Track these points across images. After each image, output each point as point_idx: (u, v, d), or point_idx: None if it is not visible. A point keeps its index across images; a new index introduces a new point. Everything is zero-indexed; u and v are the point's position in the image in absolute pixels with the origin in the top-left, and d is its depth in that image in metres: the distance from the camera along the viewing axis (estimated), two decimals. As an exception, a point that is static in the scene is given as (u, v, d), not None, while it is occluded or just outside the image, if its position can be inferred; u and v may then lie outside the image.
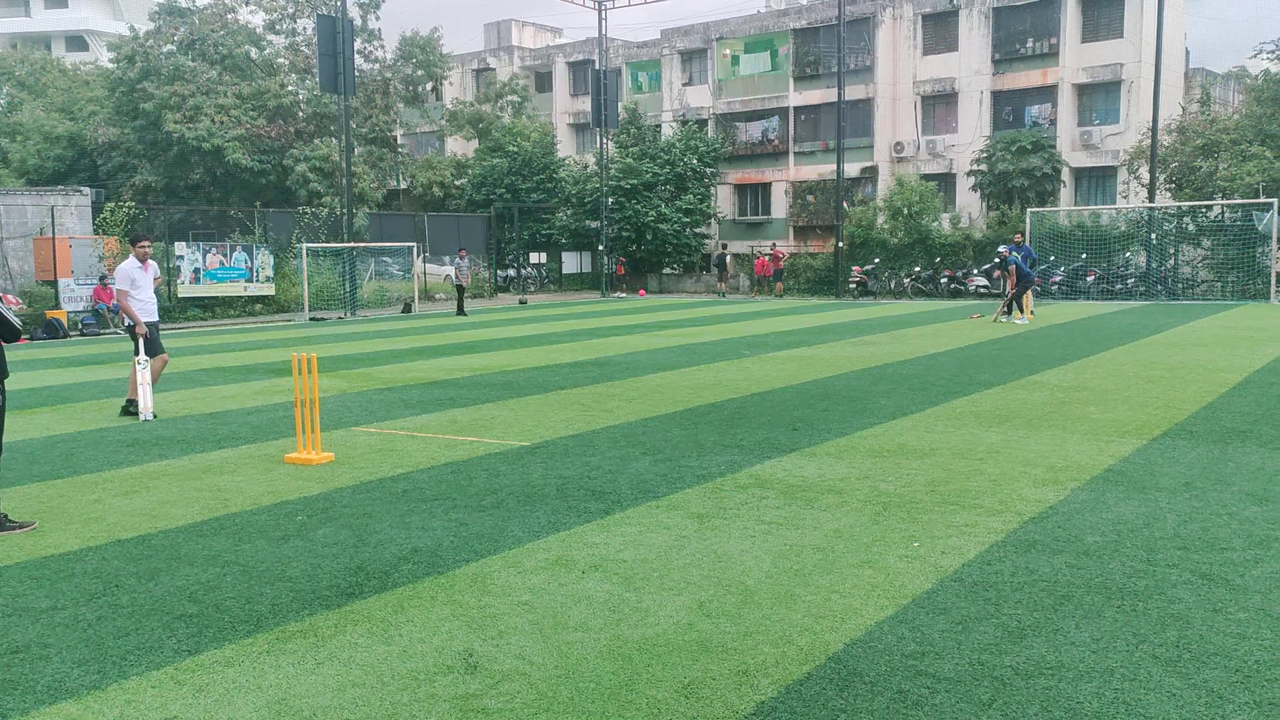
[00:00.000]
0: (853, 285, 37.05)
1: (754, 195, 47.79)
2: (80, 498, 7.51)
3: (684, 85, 49.52)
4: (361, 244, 34.91)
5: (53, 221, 26.96)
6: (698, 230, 45.50)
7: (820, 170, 44.57)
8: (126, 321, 11.54)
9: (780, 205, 46.62)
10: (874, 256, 37.70)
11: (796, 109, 46.02)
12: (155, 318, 11.62)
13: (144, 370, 11.22)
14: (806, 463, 8.28)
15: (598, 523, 6.60)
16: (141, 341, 11.32)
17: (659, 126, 48.37)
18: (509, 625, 4.81)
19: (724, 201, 47.68)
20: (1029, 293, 23.37)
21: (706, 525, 6.48)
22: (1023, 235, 24.36)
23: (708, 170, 45.52)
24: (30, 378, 15.44)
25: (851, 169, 42.51)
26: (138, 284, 11.35)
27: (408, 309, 32.55)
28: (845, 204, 39.70)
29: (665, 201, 43.55)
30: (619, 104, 44.34)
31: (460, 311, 29.81)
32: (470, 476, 8.05)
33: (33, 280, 27.27)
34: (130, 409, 11.44)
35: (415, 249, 35.56)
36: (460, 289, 30.56)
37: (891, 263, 37.64)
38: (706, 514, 6.76)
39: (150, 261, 11.60)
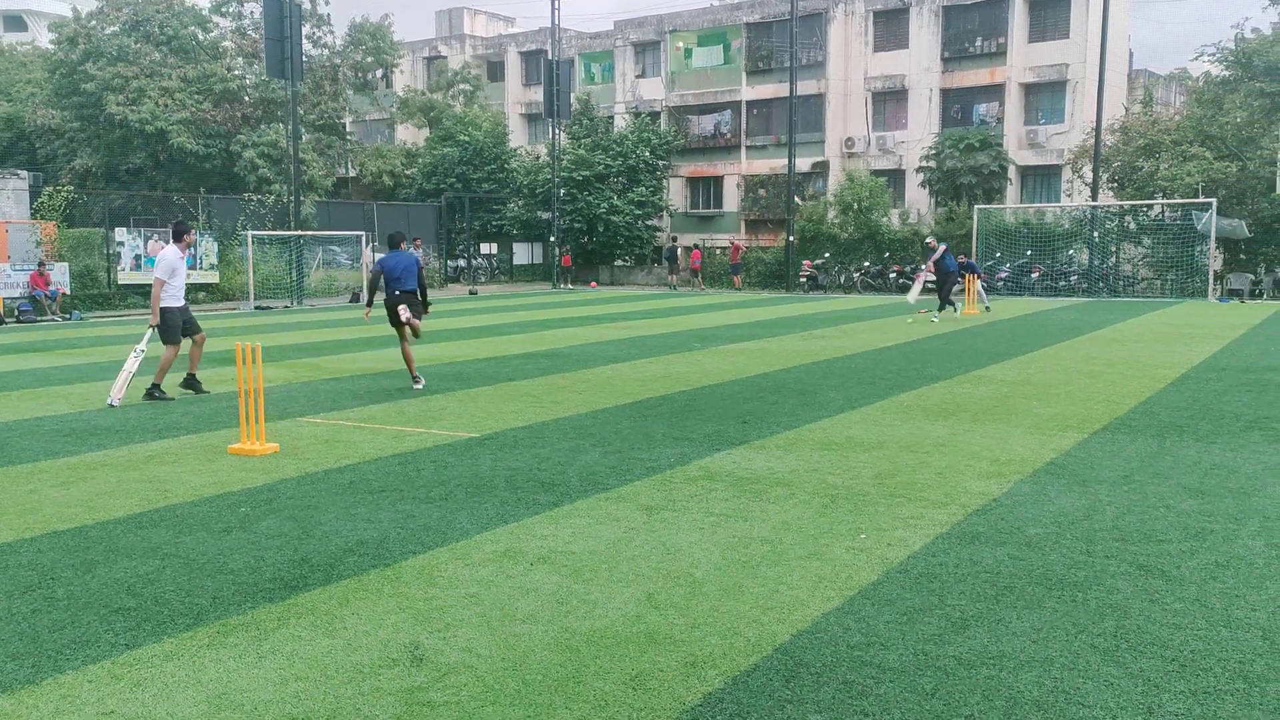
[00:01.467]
0: (803, 279, 37.30)
1: (706, 188, 47.89)
2: (15, 489, 7.32)
3: (637, 77, 49.45)
4: (309, 232, 34.45)
5: (-12, 205, 26.26)
6: (650, 223, 45.52)
7: (772, 164, 44.78)
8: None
9: (732, 199, 46.78)
10: (824, 251, 37.98)
11: (749, 103, 46.17)
12: (183, 302, 11.84)
13: (136, 360, 11.43)
14: (755, 455, 8.32)
15: (547, 514, 6.58)
16: (151, 332, 11.63)
17: (612, 118, 48.28)
18: (456, 618, 4.77)
19: (676, 194, 47.73)
20: (957, 289, 23.71)
21: (655, 517, 6.49)
22: (936, 240, 24.60)
23: (660, 163, 45.53)
24: (-36, 365, 15.04)
25: (803, 164, 42.76)
26: (177, 273, 11.46)
27: (355, 298, 32.20)
28: (796, 198, 39.95)
29: (617, 194, 43.51)
30: (572, 95, 44.20)
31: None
32: (418, 468, 7.98)
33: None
34: (192, 383, 12.01)
35: (364, 238, 35.17)
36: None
37: (841, 257, 37.95)
38: (655, 506, 6.76)
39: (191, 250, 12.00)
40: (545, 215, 43.70)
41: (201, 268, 30.06)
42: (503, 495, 7.10)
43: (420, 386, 12.28)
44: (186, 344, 12.04)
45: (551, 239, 42.75)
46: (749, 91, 46.06)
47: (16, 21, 67.43)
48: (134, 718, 3.78)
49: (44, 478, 7.68)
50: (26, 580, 5.33)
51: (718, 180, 47.34)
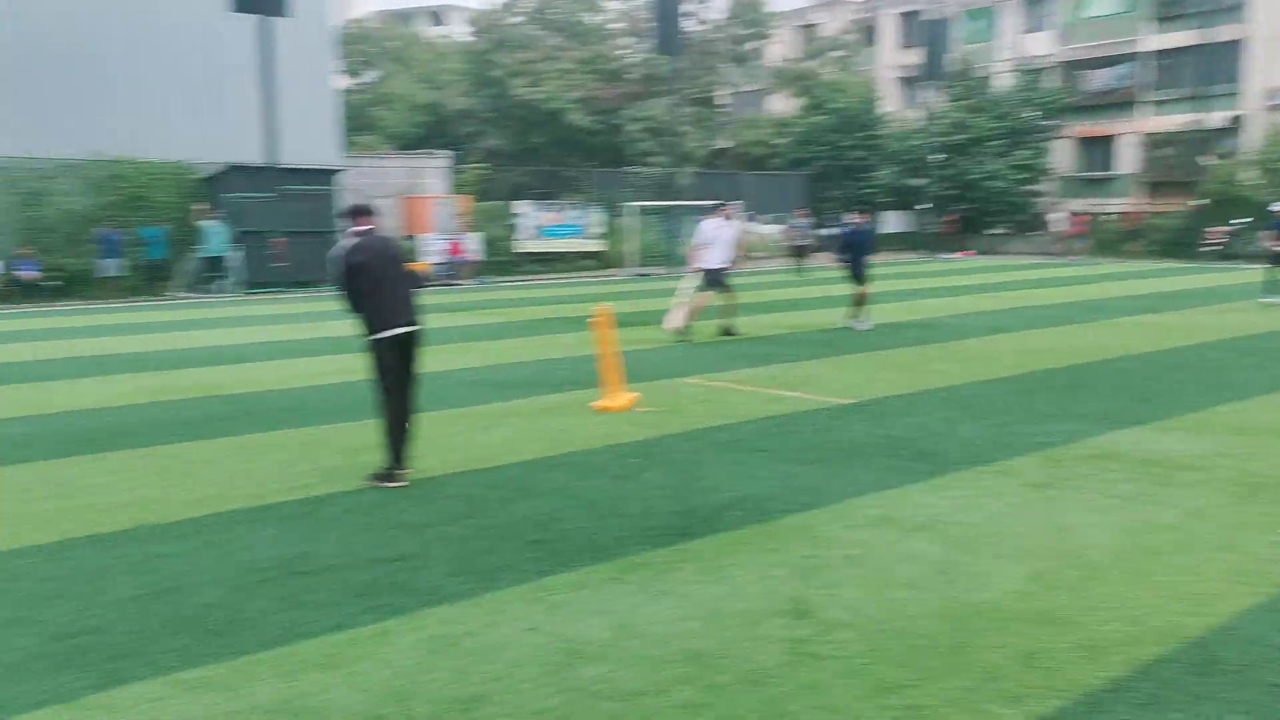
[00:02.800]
0: (1211, 247, 33.52)
1: (1097, 149, 44.23)
2: (445, 429, 8.33)
3: (1022, 32, 46.51)
4: (685, 202, 35.84)
5: (417, 182, 29.73)
6: (1030, 188, 42.81)
7: (1178, 121, 40.48)
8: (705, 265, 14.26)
9: (1127, 160, 42.87)
10: (1239, 216, 33.84)
11: (1155, 53, 41.95)
12: (722, 265, 14.21)
13: (688, 297, 13.99)
14: (1159, 437, 7.68)
15: (925, 484, 6.50)
16: (697, 278, 14.30)
17: (992, 77, 45.81)
18: (837, 577, 4.87)
19: (1062, 156, 44.50)
20: None
21: (1043, 494, 6.21)
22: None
23: (1045, 123, 42.61)
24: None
25: (1215, 119, 38.26)
26: (716, 241, 14.04)
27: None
28: (1207, 157, 35.87)
29: (996, 157, 41.31)
30: (950, 55, 42.40)
31: (798, 272, 28.96)
32: (793, 430, 8.15)
33: (399, 236, 30.30)
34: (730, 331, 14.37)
35: (737, 207, 36.00)
36: (800, 249, 30.07)
37: (1260, 224, 33.63)
38: (1043, 483, 6.46)
39: (733, 220, 14.61)
40: (917, 182, 42.42)
41: (589, 237, 32.23)
42: (878, 462, 7.09)
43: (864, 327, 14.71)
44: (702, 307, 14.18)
45: (923, 206, 41.47)
46: (1154, 40, 41.85)
47: (438, 17, 75.41)
48: (553, 635, 4.24)
49: (467, 421, 8.68)
50: (457, 509, 6.08)
51: (1110, 140, 43.55)
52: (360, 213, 6.86)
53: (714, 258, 14.14)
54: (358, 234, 6.73)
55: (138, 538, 5.62)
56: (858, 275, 15.04)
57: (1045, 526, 5.58)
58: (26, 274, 22.33)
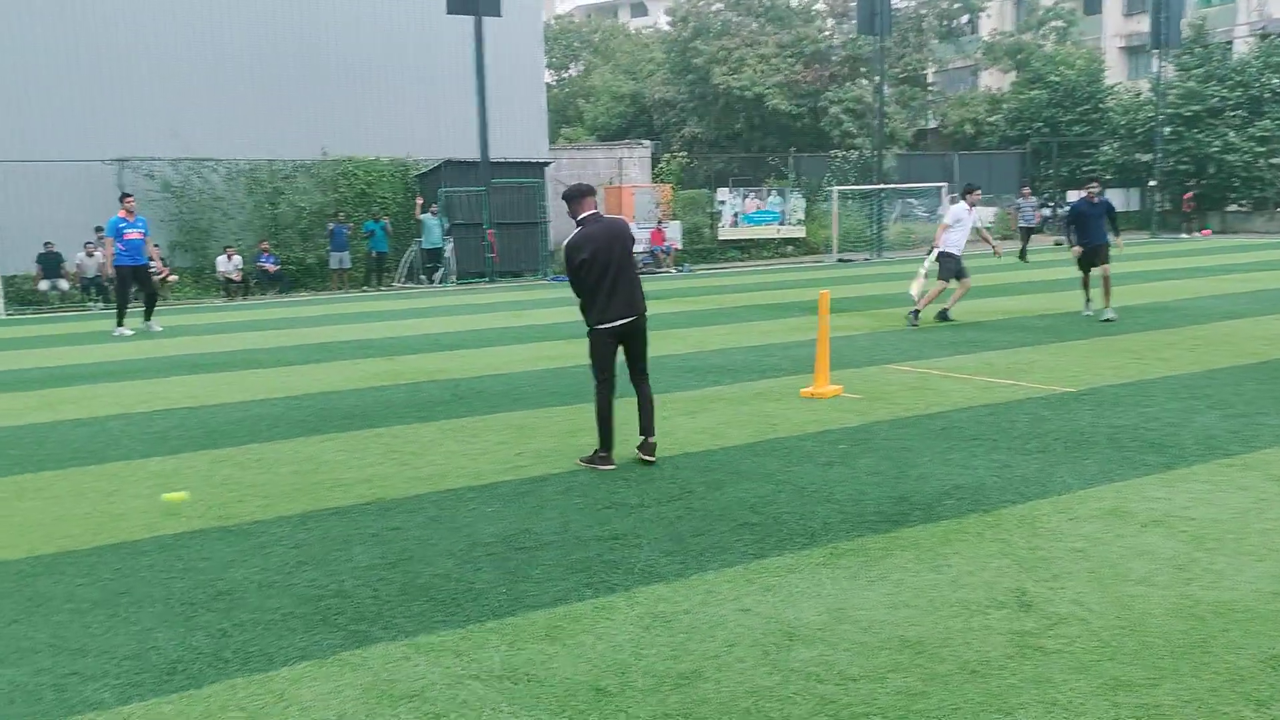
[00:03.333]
0: None
1: (1354, 116, 40.15)
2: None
3: (1266, -8, 42.80)
4: (890, 185, 34.97)
5: (620, 172, 30.31)
6: (1274, 161, 39.36)
7: None
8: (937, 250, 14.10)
9: (1391, 126, 38.73)
10: None
11: None
12: (959, 251, 14.08)
13: (923, 280, 14.03)
14: None
15: (1158, 476, 6.15)
16: (930, 261, 14.27)
17: (1230, 44, 42.39)
18: (1062, 570, 4.69)
19: (1313, 125, 40.66)
20: None
21: (1293, 490, 5.75)
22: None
23: (1293, 90, 39.05)
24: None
25: None
26: (959, 224, 13.96)
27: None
28: None
29: (1234, 129, 38.21)
30: (1182, 20, 39.49)
31: (1023, 256, 26.55)
32: (1011, 419, 7.86)
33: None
34: (944, 317, 14.07)
35: (943, 190, 34.85)
36: (1027, 231, 28.43)
37: None
38: (1292, 478, 5.99)
39: (976, 208, 14.17)
40: (1144, 158, 39.78)
41: (789, 223, 31.98)
42: (1105, 453, 6.75)
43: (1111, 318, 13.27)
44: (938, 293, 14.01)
45: (1152, 183, 38.86)
46: None
47: (640, 8, 76.44)
48: (766, 616, 4.28)
49: (675, 407, 8.82)
50: (669, 491, 6.21)
51: (1371, 105, 39.43)
52: (582, 194, 6.81)
53: (954, 242, 13.93)
54: (583, 222, 6.72)
55: (373, 511, 6.03)
56: (1091, 255, 13.46)
57: (1296, 524, 5.18)
58: (268, 266, 24.20)
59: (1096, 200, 13.64)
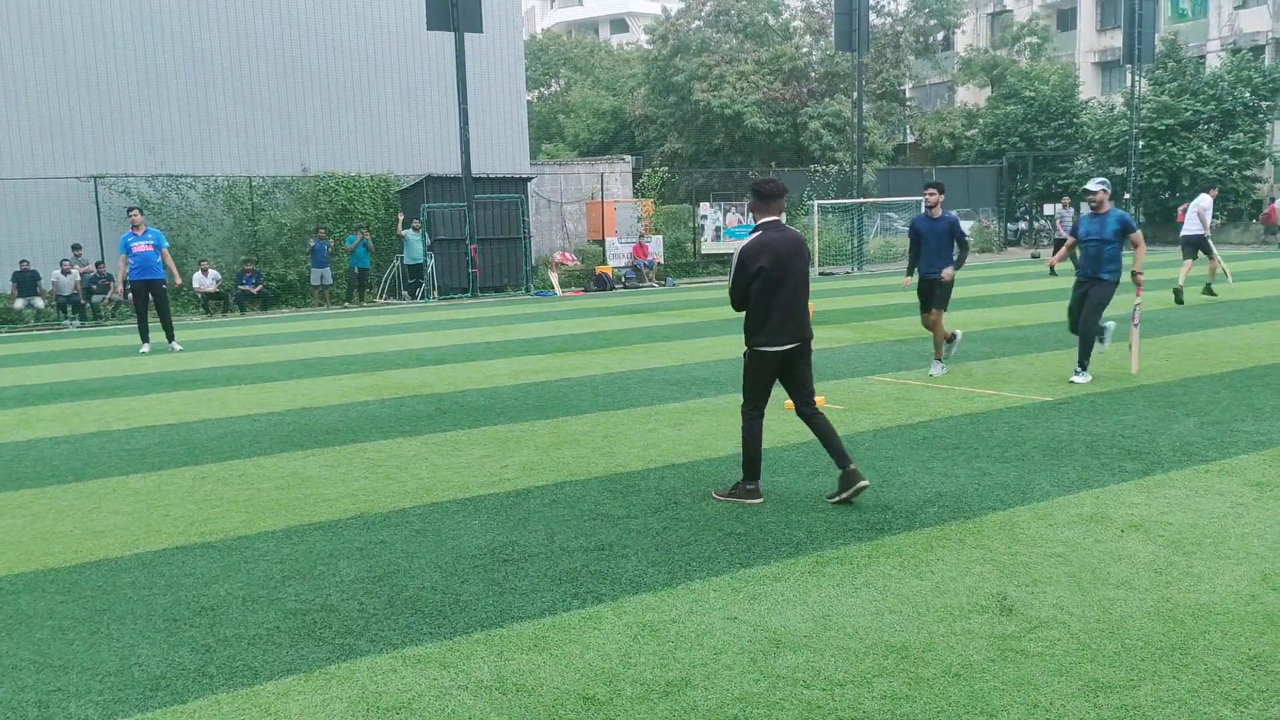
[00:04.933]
0: None
1: (1324, 129, 40.78)
2: (638, 426, 8.53)
3: (1236, 8, 43.44)
4: (869, 199, 35.21)
5: (601, 187, 30.40)
6: (1246, 174, 39.89)
7: None
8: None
9: (1360, 139, 39.36)
10: None
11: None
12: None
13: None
14: (1400, 435, 7.08)
15: (1135, 483, 6.22)
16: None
17: (1203, 58, 42.97)
18: (1043, 574, 4.74)
19: (1284, 138, 41.26)
20: None
21: (1268, 494, 5.84)
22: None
23: (1263, 104, 39.62)
24: (587, 324, 17.68)
25: None
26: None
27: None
28: None
29: (1207, 142, 38.71)
30: (1155, 35, 40.00)
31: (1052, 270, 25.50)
32: (990, 428, 7.93)
33: (585, 239, 31.04)
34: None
35: (923, 203, 35.11)
36: (1062, 242, 27.91)
37: None
38: (1268, 483, 6.08)
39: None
40: (1119, 170, 40.22)
41: (771, 237, 32.07)
42: (1083, 460, 6.83)
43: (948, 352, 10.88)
44: None
45: (1126, 196, 39.27)
46: (1389, 8, 38.28)
47: (620, 24, 76.78)
48: (753, 624, 4.30)
49: (661, 418, 8.85)
50: (655, 503, 6.23)
51: (1341, 118, 40.05)
52: (774, 194, 6.06)
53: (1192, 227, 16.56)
54: (762, 227, 6.05)
55: (358, 525, 6.02)
56: (927, 292, 10.74)
57: (1271, 528, 5.25)
58: (249, 289, 24.10)
59: (938, 217, 10.57)
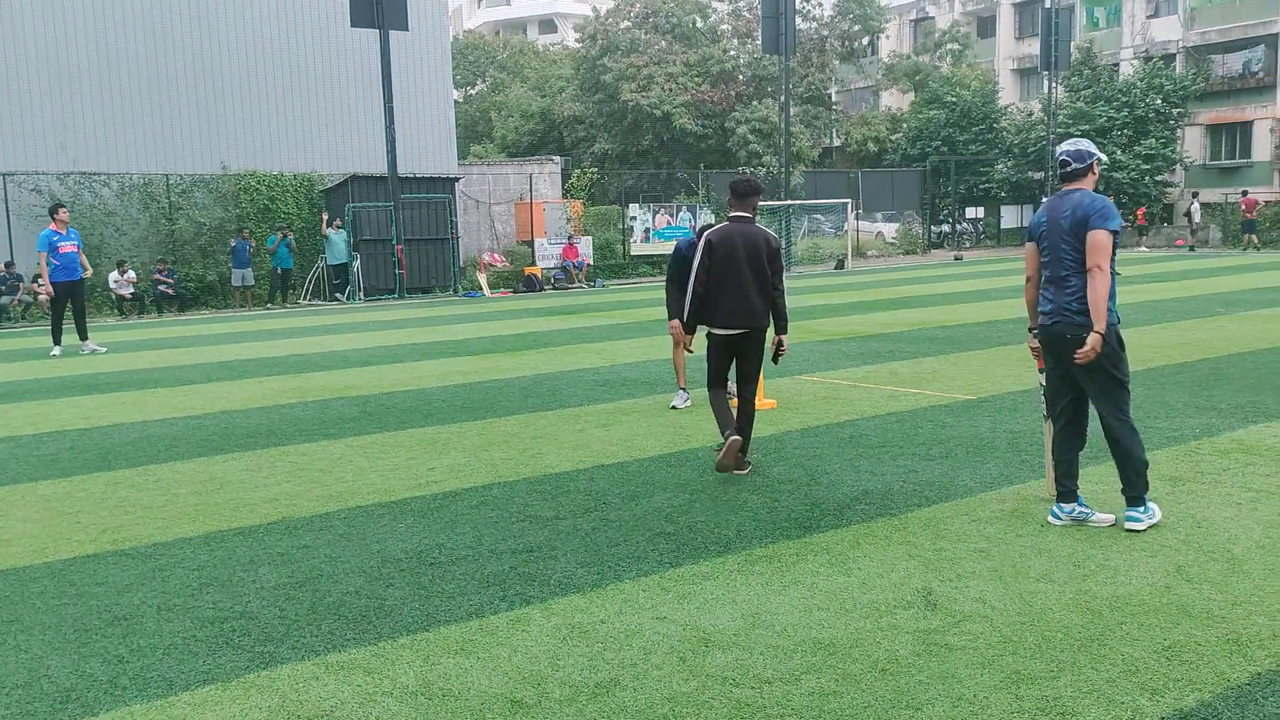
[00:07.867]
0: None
1: (1230, 136, 42.31)
2: (568, 427, 8.49)
3: (1148, 17, 44.83)
4: (797, 201, 35.58)
5: (530, 188, 30.25)
6: (1159, 178, 41.20)
7: (1318, 103, 38.42)
8: None
9: (1263, 147, 40.90)
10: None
11: (1289, 34, 39.94)
12: None
13: None
14: (1303, 430, 7.34)
15: (1055, 479, 6.34)
16: None
17: (1117, 65, 44.27)
18: (966, 569, 4.81)
19: (1192, 145, 42.71)
20: None
21: (1181, 488, 6.01)
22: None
23: (1174, 111, 40.96)
24: (516, 325, 17.56)
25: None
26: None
27: (840, 265, 32.75)
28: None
29: (1121, 148, 39.89)
30: (1071, 44, 41.11)
31: None
32: (916, 426, 8.05)
33: (514, 240, 30.85)
34: None
35: (849, 206, 35.60)
36: None
37: None
38: (1181, 477, 6.25)
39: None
40: (1037, 175, 41.27)
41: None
42: (1005, 457, 6.96)
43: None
44: None
45: (1044, 200, 40.30)
46: (1290, 20, 39.83)
47: (548, 25, 76.51)
48: (683, 623, 4.29)
49: (590, 419, 8.81)
50: (585, 504, 6.19)
51: (1245, 126, 41.59)
52: (750, 192, 6.63)
53: None
54: (731, 219, 6.62)
55: (279, 530, 5.88)
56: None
57: (1184, 520, 5.40)
58: (165, 286, 23.48)
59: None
